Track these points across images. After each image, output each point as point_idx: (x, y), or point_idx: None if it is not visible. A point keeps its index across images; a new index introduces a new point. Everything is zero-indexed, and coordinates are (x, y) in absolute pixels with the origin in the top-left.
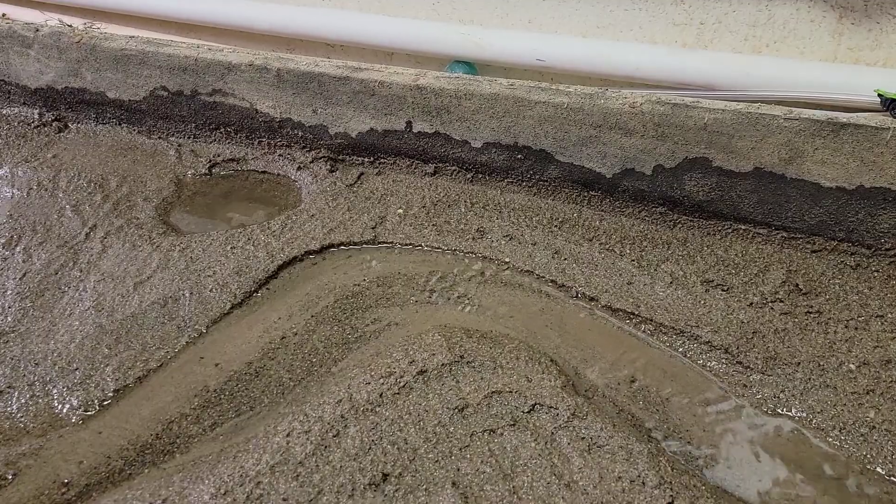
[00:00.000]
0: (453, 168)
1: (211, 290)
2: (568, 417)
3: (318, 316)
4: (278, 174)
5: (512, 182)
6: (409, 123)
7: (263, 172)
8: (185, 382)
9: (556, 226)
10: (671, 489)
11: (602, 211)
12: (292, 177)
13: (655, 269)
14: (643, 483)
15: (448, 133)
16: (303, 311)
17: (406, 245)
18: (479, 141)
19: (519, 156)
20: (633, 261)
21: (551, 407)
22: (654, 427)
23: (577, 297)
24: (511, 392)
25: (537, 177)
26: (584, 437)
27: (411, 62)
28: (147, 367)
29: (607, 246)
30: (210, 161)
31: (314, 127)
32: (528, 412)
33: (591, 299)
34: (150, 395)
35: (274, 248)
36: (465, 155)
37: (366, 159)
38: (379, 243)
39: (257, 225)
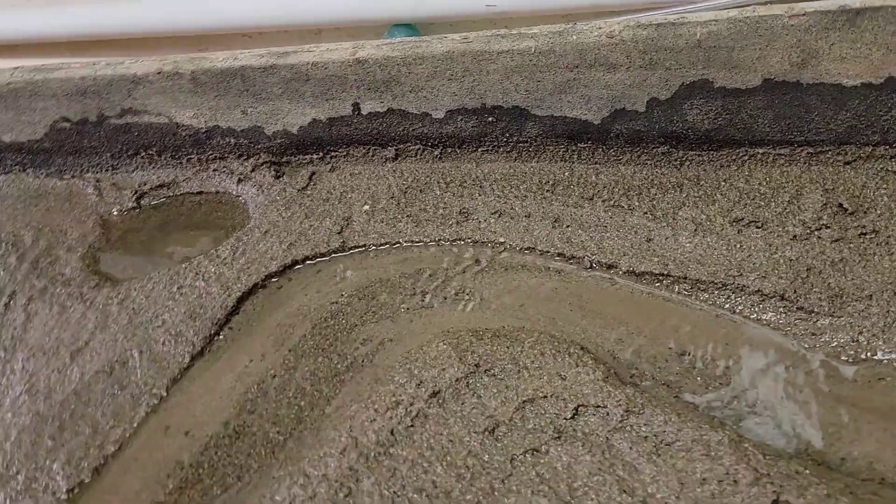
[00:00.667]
0: (417, 147)
1: (164, 344)
2: (621, 415)
3: (297, 349)
4: (217, 192)
5: (487, 150)
6: (356, 105)
7: (199, 193)
8: (154, 462)
9: (547, 190)
10: (772, 483)
11: (596, 163)
12: (233, 192)
13: (674, 219)
14: (735, 481)
15: (403, 108)
16: (277, 346)
17: (382, 245)
18: (440, 110)
19: (490, 118)
20: (646, 213)
21: (598, 406)
22: (724, 406)
23: (591, 267)
24: (546, 397)
25: (515, 138)
26: (646, 437)
27: (343, 36)
28: (103, 452)
29: (611, 202)
30: (136, 192)
31: (248, 131)
32: (572, 418)
33: (610, 266)
34: (114, 488)
35: (228, 279)
36: (427, 130)
37: (314, 156)
38: (349, 249)
39: (204, 255)
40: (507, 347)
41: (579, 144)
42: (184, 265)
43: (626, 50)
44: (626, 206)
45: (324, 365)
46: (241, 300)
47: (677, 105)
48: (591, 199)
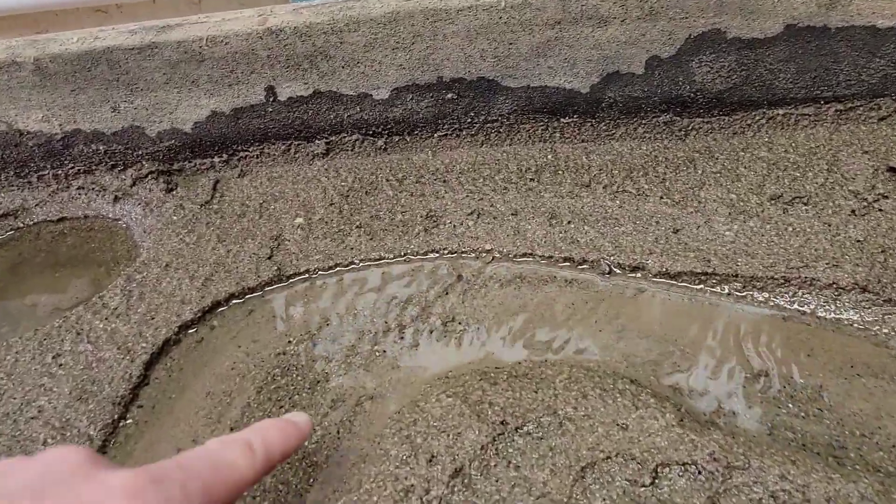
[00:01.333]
0: (354, 138)
1: (45, 444)
2: (722, 473)
3: (241, 426)
4: (86, 216)
5: (446, 135)
6: (270, 90)
7: (61, 220)
8: None
9: (531, 179)
10: None
11: (584, 141)
12: (109, 214)
13: (699, 202)
14: None
15: (335, 89)
16: (212, 424)
17: (331, 269)
18: (383, 89)
19: (449, 95)
20: (662, 198)
21: (685, 464)
22: (839, 442)
23: (610, 272)
24: (609, 458)
25: (482, 118)
26: (762, 498)
27: (234, 2)
28: None
29: (614, 187)
30: None
31: (122, 133)
32: (653, 484)
33: (635, 269)
34: None
35: (127, 338)
36: (367, 115)
37: (217, 159)
38: (288, 279)
39: (84, 306)
40: (535, 392)
41: (563, 120)
42: (56, 323)
43: None
44: (634, 191)
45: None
46: (150, 365)
47: (683, 63)
48: (589, 185)
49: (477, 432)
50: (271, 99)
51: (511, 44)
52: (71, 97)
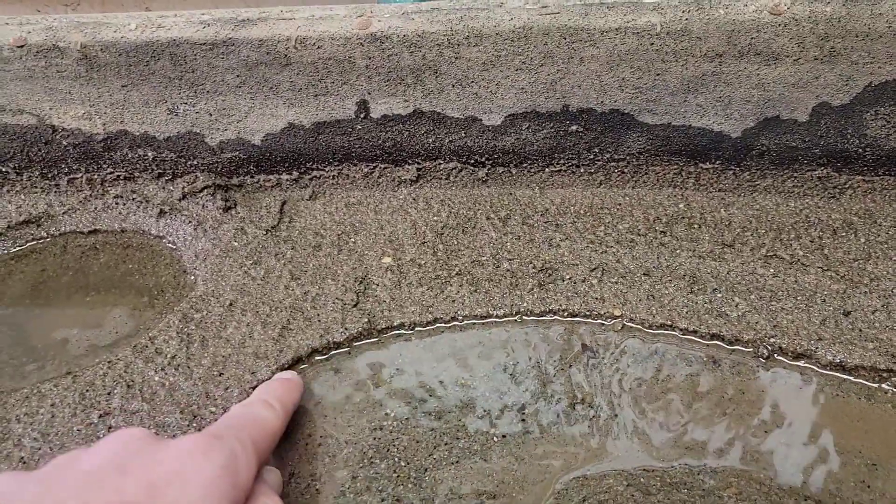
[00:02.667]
0: (451, 165)
1: None
2: None
3: None
4: (123, 230)
5: (559, 171)
6: (362, 105)
7: (93, 232)
8: None
9: (661, 231)
10: None
11: (722, 191)
12: (153, 230)
13: (870, 279)
14: None
15: (439, 109)
16: None
17: (429, 325)
18: (496, 114)
19: (574, 127)
20: (824, 270)
21: None
22: None
23: (769, 356)
24: None
25: (607, 156)
26: None
27: None
28: None
29: (764, 250)
30: None
31: (177, 138)
32: None
33: (799, 356)
34: None
35: (191, 398)
36: (472, 141)
37: (284, 176)
38: (379, 333)
39: (132, 350)
40: None
41: (702, 165)
42: (100, 370)
43: (798, 34)
44: (787, 258)
45: None
46: None
47: (855, 113)
48: (732, 245)
49: None
50: (362, 115)
51: (658, 75)
52: (121, 93)
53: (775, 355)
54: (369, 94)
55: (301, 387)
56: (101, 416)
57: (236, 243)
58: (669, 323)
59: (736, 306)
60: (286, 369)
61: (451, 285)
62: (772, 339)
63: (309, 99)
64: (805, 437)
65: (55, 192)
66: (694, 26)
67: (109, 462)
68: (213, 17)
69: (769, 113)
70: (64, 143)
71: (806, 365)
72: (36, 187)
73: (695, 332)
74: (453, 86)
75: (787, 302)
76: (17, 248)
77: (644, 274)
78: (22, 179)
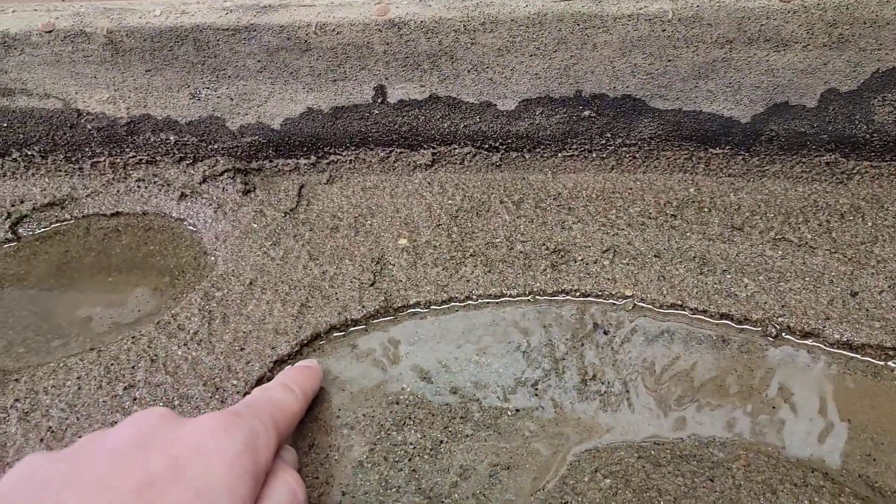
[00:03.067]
0: (465, 150)
1: None
2: None
3: (352, 489)
4: (144, 213)
5: (571, 156)
6: (380, 90)
7: (115, 215)
8: None
9: (672, 215)
10: None
11: (731, 176)
12: (173, 213)
13: (877, 261)
14: None
15: (455, 95)
16: (321, 487)
17: (444, 304)
18: (511, 99)
19: (586, 112)
20: (832, 252)
21: None
22: None
23: (777, 335)
24: None
25: (618, 140)
26: None
27: None
28: None
29: (773, 233)
30: (7, 214)
31: (198, 123)
32: None
33: (807, 335)
34: None
35: (213, 372)
36: (486, 126)
37: (302, 161)
38: (396, 311)
39: (156, 326)
40: (711, 480)
41: (712, 150)
42: (124, 344)
43: (807, 21)
44: (796, 241)
45: None
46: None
47: (863, 99)
48: (742, 228)
49: None
50: (379, 100)
51: (670, 61)
52: (145, 78)
53: (783, 334)
54: (386, 79)
55: (320, 375)
56: (125, 389)
57: (256, 225)
58: (680, 303)
59: (745, 287)
60: (305, 345)
61: (465, 266)
62: (780, 319)
63: (328, 84)
64: (812, 413)
65: (79, 175)
66: (705, 13)
67: (133, 439)
68: (235, 4)
69: (778, 99)
70: (88, 126)
71: (814, 343)
72: (60, 171)
73: (704, 311)
74: (469, 71)
75: (796, 283)
76: (42, 230)
77: (655, 255)
78: (47, 163)
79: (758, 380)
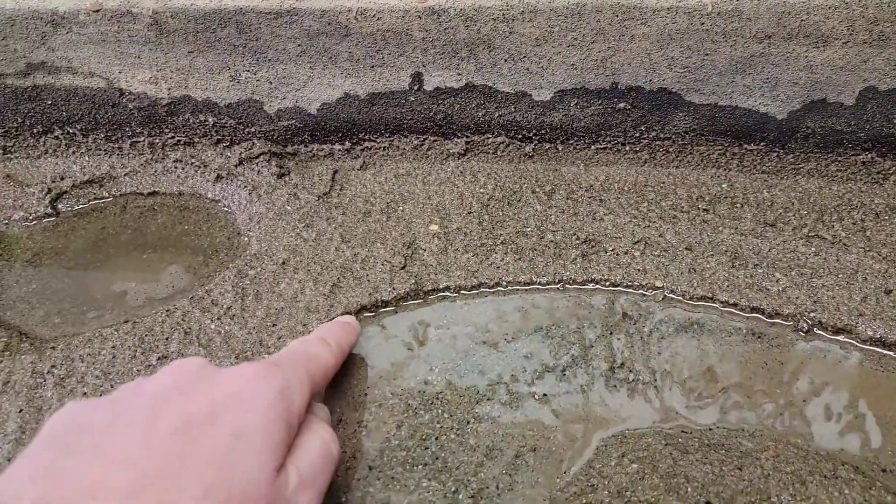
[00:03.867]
0: (499, 140)
1: None
2: None
3: (381, 462)
4: (181, 193)
5: (605, 149)
6: (416, 77)
7: (152, 195)
8: None
9: (704, 209)
10: None
11: (765, 173)
12: (209, 194)
13: None
14: None
15: (491, 84)
16: (348, 461)
17: (474, 289)
18: (546, 90)
19: (621, 104)
20: (866, 250)
21: None
22: None
23: (809, 330)
24: None
25: (652, 134)
26: None
27: None
28: None
29: (806, 230)
30: (48, 189)
31: (237, 105)
32: None
33: (840, 331)
34: None
35: (245, 345)
36: (520, 116)
37: (337, 146)
38: (426, 294)
39: (190, 301)
40: (739, 469)
41: (746, 146)
42: (158, 317)
43: (848, 17)
44: (829, 238)
45: (440, 500)
46: None
47: None
48: (774, 224)
49: None
50: (416, 87)
51: (707, 55)
52: (187, 59)
53: (815, 329)
54: (424, 66)
55: (358, 331)
56: (159, 359)
57: (289, 207)
58: (710, 295)
59: (777, 281)
60: None
61: (495, 253)
62: (812, 314)
63: (365, 70)
64: (843, 408)
65: (118, 154)
66: (745, 7)
67: (172, 385)
68: None
69: (816, 96)
70: (130, 106)
71: (846, 339)
72: (100, 149)
73: (735, 304)
74: (506, 60)
75: (828, 279)
76: (80, 207)
77: (686, 248)
78: (87, 141)
79: (788, 373)
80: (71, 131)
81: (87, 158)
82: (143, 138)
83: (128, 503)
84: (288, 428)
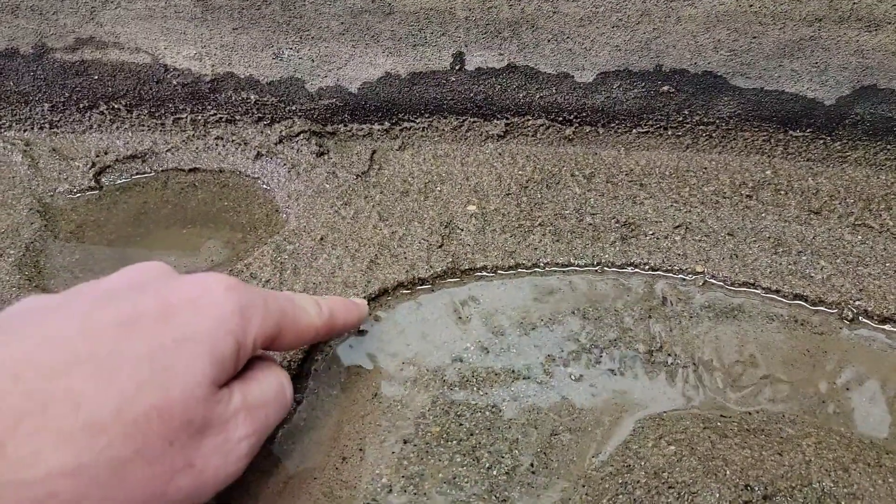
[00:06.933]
0: (539, 122)
1: None
2: None
3: (418, 439)
4: (221, 170)
5: (646, 133)
6: (458, 56)
7: (193, 171)
8: None
9: (747, 195)
10: None
11: (810, 161)
12: (249, 171)
13: None
14: None
15: (532, 64)
16: (382, 435)
17: (511, 269)
18: (589, 71)
19: (665, 87)
20: None
21: None
22: None
23: (854, 319)
24: None
25: (696, 118)
26: None
27: None
28: None
29: (852, 218)
30: (92, 163)
31: (279, 83)
32: None
33: (886, 320)
34: None
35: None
36: (562, 98)
37: (376, 126)
38: (463, 273)
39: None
40: (779, 454)
41: (792, 132)
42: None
43: None
44: (876, 227)
45: (474, 475)
46: (308, 355)
47: None
48: (819, 212)
49: (717, 496)
50: (457, 67)
51: (755, 37)
52: (231, 36)
53: (860, 318)
54: (466, 46)
55: (361, 314)
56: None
57: (328, 185)
58: (752, 281)
59: (821, 269)
60: (373, 299)
61: (533, 234)
62: (857, 303)
63: (407, 49)
64: (889, 397)
65: (160, 130)
66: None
67: (129, 282)
68: None
69: (866, 81)
70: (174, 82)
71: (892, 329)
72: (143, 125)
73: (777, 291)
74: (549, 41)
75: (875, 268)
76: (123, 181)
77: (728, 234)
78: (131, 117)
79: (831, 361)
80: (116, 106)
81: (130, 134)
82: (185, 115)
83: (50, 383)
84: (237, 347)
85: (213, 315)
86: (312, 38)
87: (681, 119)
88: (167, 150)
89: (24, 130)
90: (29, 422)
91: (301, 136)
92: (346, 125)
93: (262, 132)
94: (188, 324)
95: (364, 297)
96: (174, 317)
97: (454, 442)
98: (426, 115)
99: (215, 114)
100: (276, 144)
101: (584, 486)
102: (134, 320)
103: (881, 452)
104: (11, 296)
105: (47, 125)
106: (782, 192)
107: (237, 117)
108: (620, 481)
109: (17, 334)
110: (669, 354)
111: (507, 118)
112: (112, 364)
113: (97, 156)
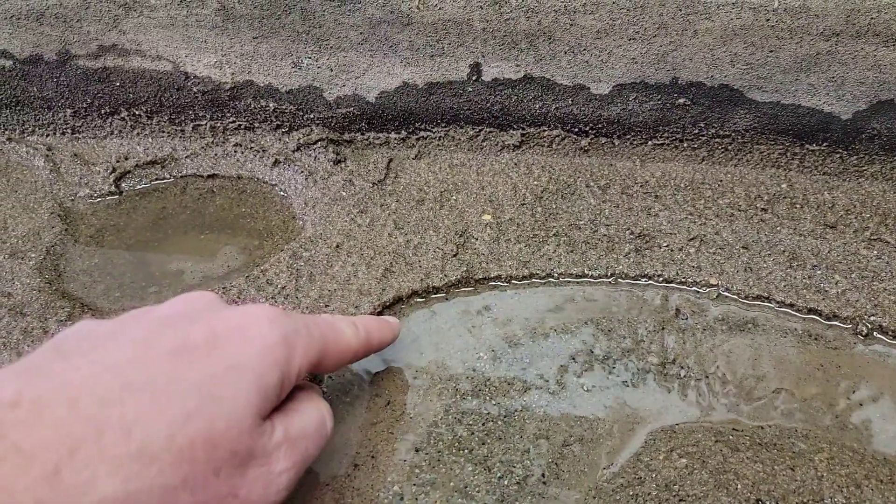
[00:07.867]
0: (555, 133)
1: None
2: None
3: (435, 439)
4: (239, 177)
5: (662, 145)
6: (475, 67)
7: (212, 177)
8: None
9: (762, 209)
10: None
11: (826, 175)
12: (266, 178)
13: None
14: None
15: (549, 76)
16: (395, 441)
17: (525, 279)
18: (605, 83)
19: (681, 100)
20: None
21: None
22: None
23: (868, 334)
24: None
25: (712, 131)
26: None
27: None
28: None
29: (868, 233)
30: (112, 169)
31: (297, 92)
32: None
33: None
34: None
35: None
36: (578, 109)
37: (393, 135)
38: (476, 282)
39: (246, 279)
40: (791, 469)
41: (808, 146)
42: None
43: None
44: (893, 242)
45: (485, 485)
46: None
47: None
48: (835, 226)
49: None
50: (474, 78)
51: (772, 51)
52: (251, 45)
53: (875, 333)
54: (483, 56)
55: (395, 332)
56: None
57: (344, 193)
58: (766, 295)
59: (836, 284)
60: (387, 307)
61: (547, 245)
62: (872, 318)
63: (425, 59)
64: None
65: (180, 137)
66: (812, 3)
67: (180, 312)
68: None
69: (883, 96)
70: (194, 90)
71: None
72: (163, 132)
73: (791, 305)
74: (565, 52)
75: (891, 283)
76: (143, 186)
77: (742, 247)
78: (152, 123)
79: (845, 376)
80: (136, 113)
81: (150, 140)
82: (205, 122)
83: (105, 410)
84: (282, 378)
85: (259, 346)
86: (331, 47)
87: (696, 132)
88: (186, 157)
89: (47, 135)
90: (84, 449)
91: (318, 144)
92: (363, 134)
93: (280, 140)
94: (235, 354)
95: (378, 305)
96: (222, 347)
97: (466, 451)
98: (443, 125)
99: (234, 121)
100: (293, 152)
101: (595, 498)
102: (186, 349)
103: (894, 469)
104: (32, 299)
105: (69, 130)
106: (798, 206)
107: (256, 125)
108: (631, 493)
109: (72, 360)
110: (682, 367)
111: (523, 129)
112: (164, 392)
113: (118, 161)
